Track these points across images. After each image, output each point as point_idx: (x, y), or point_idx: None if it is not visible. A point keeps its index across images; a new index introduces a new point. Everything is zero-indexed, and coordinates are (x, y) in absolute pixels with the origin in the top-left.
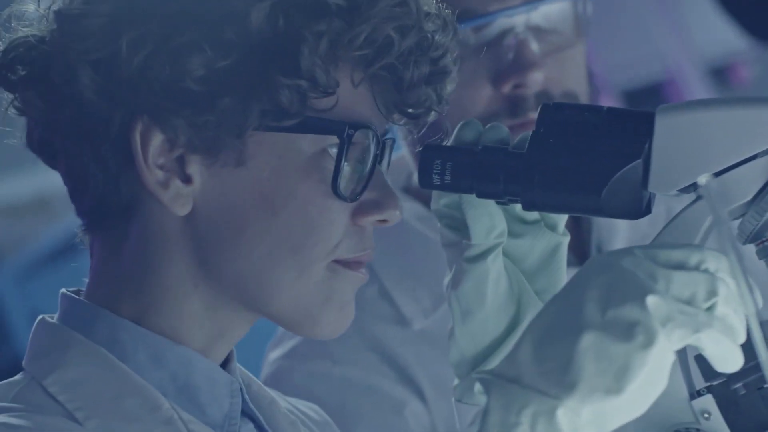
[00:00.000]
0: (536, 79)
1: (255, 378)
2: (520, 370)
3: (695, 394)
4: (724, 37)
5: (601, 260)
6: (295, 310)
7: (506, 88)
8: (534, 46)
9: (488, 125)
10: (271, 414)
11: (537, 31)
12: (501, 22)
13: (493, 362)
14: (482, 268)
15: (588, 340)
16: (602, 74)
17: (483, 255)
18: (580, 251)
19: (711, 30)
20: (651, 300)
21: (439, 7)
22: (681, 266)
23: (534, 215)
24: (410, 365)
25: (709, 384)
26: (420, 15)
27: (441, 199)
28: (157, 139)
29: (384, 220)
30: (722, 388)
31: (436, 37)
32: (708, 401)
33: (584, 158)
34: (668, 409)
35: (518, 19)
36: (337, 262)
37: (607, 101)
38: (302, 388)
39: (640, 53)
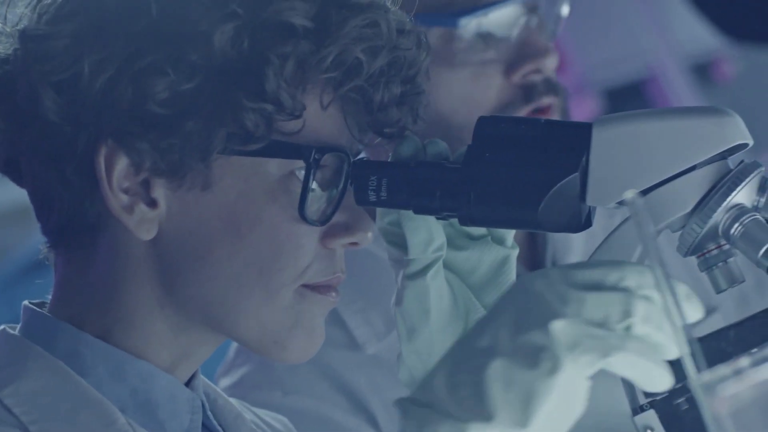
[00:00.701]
0: (550, 65)
1: (221, 392)
2: (433, 395)
3: (638, 409)
4: (706, 34)
5: (518, 283)
6: (262, 334)
7: (518, 77)
8: (543, 33)
9: (426, 140)
10: (236, 429)
11: (539, 17)
12: (508, 11)
13: None
14: (423, 283)
15: (496, 367)
16: (585, 72)
17: (423, 271)
18: (534, 266)
19: (693, 27)
20: (557, 325)
21: (412, 23)
22: (597, 286)
23: (480, 229)
24: (363, 392)
25: (651, 399)
26: (391, 34)
27: (385, 217)
28: (121, 163)
29: (354, 243)
30: (665, 403)
31: (409, 56)
32: (650, 417)
33: (521, 172)
34: (611, 426)
35: (524, 7)
36: (305, 286)
37: (590, 100)
38: None
39: (622, 51)
